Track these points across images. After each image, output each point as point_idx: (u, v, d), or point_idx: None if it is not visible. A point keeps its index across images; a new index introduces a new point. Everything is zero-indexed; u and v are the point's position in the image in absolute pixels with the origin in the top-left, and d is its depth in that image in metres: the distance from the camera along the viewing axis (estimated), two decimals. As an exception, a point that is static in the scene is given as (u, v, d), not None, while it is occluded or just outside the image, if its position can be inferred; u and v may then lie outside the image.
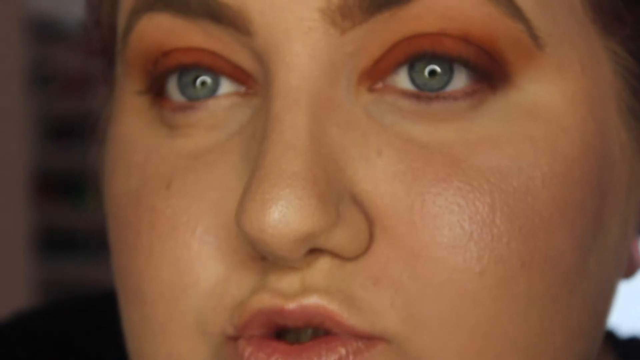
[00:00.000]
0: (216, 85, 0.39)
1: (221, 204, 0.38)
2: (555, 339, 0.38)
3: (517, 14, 0.36)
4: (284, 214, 0.34)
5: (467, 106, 0.37)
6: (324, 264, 0.37)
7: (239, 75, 0.38)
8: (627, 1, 0.39)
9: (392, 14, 0.36)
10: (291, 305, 0.36)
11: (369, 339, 0.36)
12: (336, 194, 0.36)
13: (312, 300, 0.36)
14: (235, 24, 0.37)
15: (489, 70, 0.37)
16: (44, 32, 3.46)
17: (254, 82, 0.38)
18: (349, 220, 0.36)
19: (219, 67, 0.38)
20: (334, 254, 0.36)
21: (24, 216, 2.05)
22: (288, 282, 0.36)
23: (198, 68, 0.38)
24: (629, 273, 0.42)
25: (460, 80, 0.37)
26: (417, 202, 0.36)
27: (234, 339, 0.37)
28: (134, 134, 0.41)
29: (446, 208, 0.36)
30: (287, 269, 0.36)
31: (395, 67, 0.37)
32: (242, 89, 0.38)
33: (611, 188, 0.39)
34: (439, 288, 0.36)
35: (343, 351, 0.36)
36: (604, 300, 0.40)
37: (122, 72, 0.41)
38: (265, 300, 0.36)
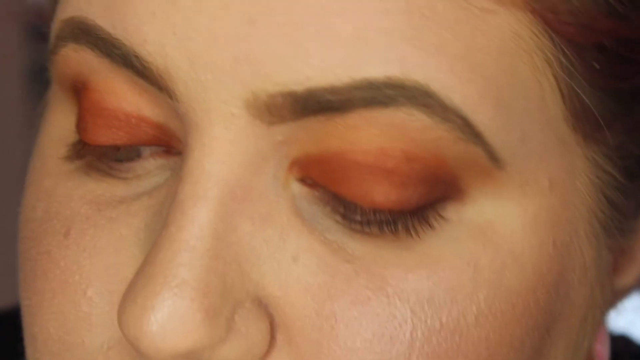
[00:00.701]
0: (139, 150, 0.36)
1: (116, 269, 0.36)
2: None
3: (475, 139, 0.33)
4: (163, 328, 0.32)
5: (409, 223, 0.34)
6: None
7: (162, 136, 0.35)
8: (615, 110, 0.36)
9: (328, 118, 0.33)
10: None
11: None
12: (232, 303, 0.33)
13: None
14: (159, 85, 0.34)
15: (436, 188, 0.33)
16: (44, 31, 3.45)
17: (177, 141, 0.35)
18: (244, 333, 0.33)
19: (142, 139, 0.35)
20: None
21: (24, 216, 2.05)
22: None
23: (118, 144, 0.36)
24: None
25: None
26: (328, 323, 0.33)
27: None
28: (50, 152, 0.39)
29: (358, 336, 0.33)
30: None
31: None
32: (164, 149, 0.36)
33: (561, 314, 0.36)
34: None
35: None
36: None
37: (53, 78, 0.40)
38: None
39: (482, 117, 0.33)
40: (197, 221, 0.33)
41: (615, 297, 0.41)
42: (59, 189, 0.38)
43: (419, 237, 0.34)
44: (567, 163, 0.36)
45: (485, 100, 0.33)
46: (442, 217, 0.34)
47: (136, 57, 0.34)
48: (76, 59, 0.37)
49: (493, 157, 0.34)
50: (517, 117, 0.34)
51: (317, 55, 0.32)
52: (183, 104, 0.34)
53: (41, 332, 0.37)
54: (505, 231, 0.35)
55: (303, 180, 0.34)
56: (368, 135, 0.33)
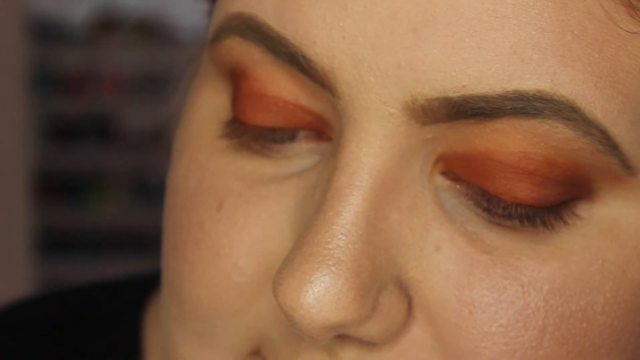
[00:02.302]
0: (294, 133, 0.39)
1: (265, 243, 0.38)
2: None
3: (612, 150, 0.35)
4: (319, 301, 0.34)
5: (553, 221, 0.36)
6: (351, 349, 0.37)
7: (316, 123, 0.38)
8: None
9: (478, 122, 0.35)
10: None
11: None
12: (378, 284, 0.35)
13: None
14: (322, 83, 0.36)
15: (572, 189, 0.36)
16: (44, 32, 3.46)
17: (330, 129, 0.38)
18: (386, 312, 0.36)
19: (297, 123, 0.38)
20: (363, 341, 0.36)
21: (24, 216, 2.05)
22: (314, 357, 0.37)
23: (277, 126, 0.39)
24: None
25: None
26: (467, 308, 0.36)
27: None
28: (204, 127, 0.41)
29: (494, 322, 0.35)
30: (316, 343, 0.37)
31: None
32: (316, 134, 0.38)
33: None
34: None
35: None
36: None
37: (208, 62, 0.41)
38: None
39: (619, 130, 0.35)
40: (352, 208, 0.35)
41: None
42: (212, 163, 0.40)
43: (554, 231, 0.36)
44: None
45: (623, 115, 0.35)
46: (575, 214, 0.36)
47: (303, 57, 0.36)
48: (240, 50, 0.38)
49: (626, 166, 0.36)
50: None
51: (475, 66, 0.34)
52: (344, 100, 0.36)
53: (191, 297, 0.39)
54: (630, 229, 0.37)
55: (447, 174, 0.36)
56: (514, 140, 0.35)
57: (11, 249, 2.04)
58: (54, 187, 3.59)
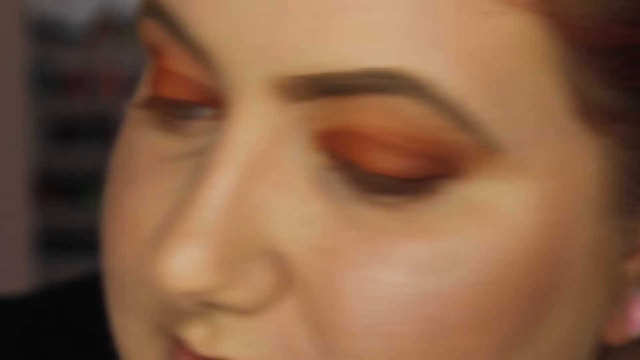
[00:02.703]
0: (199, 111, 0.40)
1: (158, 219, 0.40)
2: None
3: (470, 128, 0.36)
4: (175, 269, 0.37)
5: (409, 195, 0.37)
6: (225, 316, 0.39)
7: (216, 101, 0.39)
8: (625, 105, 0.38)
9: (341, 99, 0.36)
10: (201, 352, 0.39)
11: None
12: (245, 255, 0.38)
13: (217, 350, 0.39)
14: (206, 62, 0.38)
15: (439, 165, 0.36)
16: (44, 32, 3.46)
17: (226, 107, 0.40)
18: (251, 281, 0.38)
19: (200, 98, 0.40)
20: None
21: (24, 216, 2.05)
22: (194, 327, 0.39)
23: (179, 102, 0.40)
24: (621, 335, 0.42)
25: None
26: (333, 283, 0.37)
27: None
28: (134, 103, 0.43)
29: (358, 297, 0.37)
30: (196, 313, 0.39)
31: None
32: (216, 112, 0.40)
33: (557, 288, 0.39)
34: None
35: None
36: None
37: None
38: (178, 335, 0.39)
39: (479, 108, 0.36)
40: (221, 183, 0.37)
41: None
42: (131, 137, 0.42)
43: (423, 208, 0.37)
44: (571, 151, 0.38)
45: (485, 93, 0.36)
46: (445, 192, 0.37)
47: (188, 37, 0.38)
48: (151, 30, 0.40)
49: (491, 144, 0.36)
50: (519, 110, 0.37)
51: (334, 44, 0.36)
52: (220, 80, 0.38)
53: (109, 267, 0.42)
54: (505, 210, 0.38)
55: (324, 151, 0.37)
56: (375, 116, 0.36)
57: (11, 248, 2.04)
58: (53, 187, 3.59)
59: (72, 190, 3.61)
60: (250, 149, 0.38)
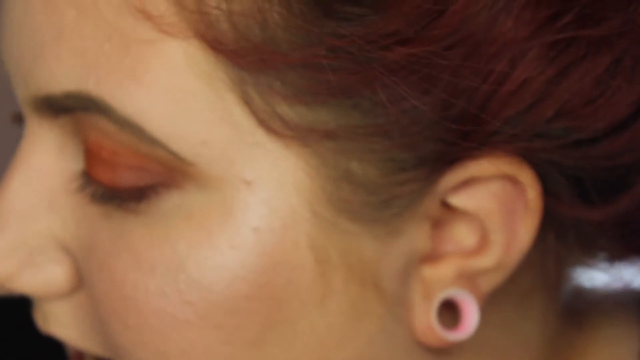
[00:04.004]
0: None
1: None
2: None
3: (153, 143, 0.40)
4: None
5: (142, 202, 0.41)
6: (42, 303, 0.45)
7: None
8: (313, 119, 0.40)
9: (72, 118, 0.42)
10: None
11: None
12: (33, 247, 0.43)
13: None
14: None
15: (145, 176, 0.41)
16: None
17: None
18: (37, 272, 0.43)
19: None
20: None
21: (24, 216, 2.04)
22: (36, 312, 0.46)
23: None
24: (451, 335, 0.43)
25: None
26: (99, 273, 0.42)
27: None
28: None
29: (115, 287, 0.42)
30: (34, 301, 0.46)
31: None
32: None
33: (291, 288, 0.41)
34: (115, 349, 0.43)
35: None
36: None
37: None
38: None
39: (158, 125, 0.40)
40: (8, 193, 0.43)
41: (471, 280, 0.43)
42: None
43: (152, 215, 0.41)
44: (269, 163, 0.40)
45: (161, 112, 0.40)
46: (163, 200, 0.41)
47: None
48: None
49: (177, 157, 0.40)
50: (200, 125, 0.40)
51: (46, 71, 0.41)
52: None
53: None
54: (219, 219, 0.41)
55: (84, 162, 0.43)
56: (99, 132, 0.41)
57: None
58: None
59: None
60: (33, 159, 0.44)
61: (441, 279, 0.43)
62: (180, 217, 0.41)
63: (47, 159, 0.43)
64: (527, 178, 0.42)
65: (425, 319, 0.43)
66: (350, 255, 0.41)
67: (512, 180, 0.42)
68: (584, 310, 0.49)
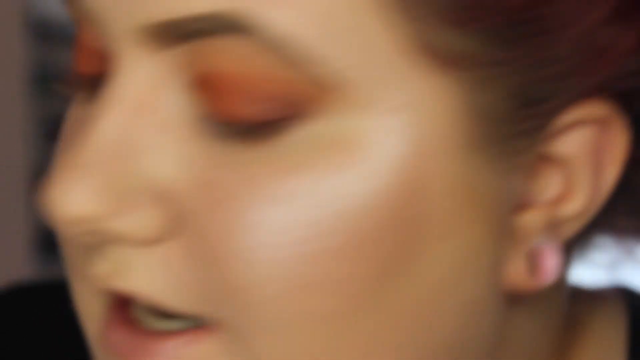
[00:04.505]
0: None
1: None
2: (354, 354, 0.41)
3: (304, 65, 0.39)
4: (61, 199, 0.40)
5: (269, 133, 0.40)
6: (117, 249, 0.42)
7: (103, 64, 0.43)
8: (478, 44, 0.40)
9: (198, 44, 0.40)
10: (108, 285, 0.43)
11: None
12: (130, 189, 0.41)
13: (120, 284, 0.43)
14: (90, 20, 0.41)
15: (287, 105, 0.40)
16: (44, 32, 3.45)
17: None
18: (134, 213, 0.41)
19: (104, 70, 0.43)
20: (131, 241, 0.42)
21: (24, 216, 2.05)
22: (96, 263, 0.43)
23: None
24: (534, 283, 0.43)
25: None
26: (216, 212, 0.40)
27: None
28: None
29: (239, 223, 0.40)
30: (97, 251, 0.43)
31: None
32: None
33: (425, 221, 0.41)
34: (231, 291, 0.40)
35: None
36: (443, 316, 0.42)
37: None
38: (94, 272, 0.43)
39: (305, 46, 0.39)
40: (101, 130, 0.41)
41: (566, 222, 0.44)
42: (69, 115, 0.46)
43: (282, 146, 0.40)
44: (421, 89, 0.40)
45: (318, 33, 0.39)
46: (298, 130, 0.40)
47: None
48: (69, 6, 0.44)
49: (318, 82, 0.39)
50: (346, 50, 0.39)
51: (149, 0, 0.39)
52: (101, 36, 0.42)
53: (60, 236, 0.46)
54: (366, 143, 0.40)
55: (197, 95, 0.41)
56: (230, 58, 0.39)
57: (11, 249, 2.04)
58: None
59: (72, 190, 3.61)
60: (130, 95, 0.41)
61: (533, 226, 0.43)
62: (314, 147, 0.40)
63: (149, 94, 0.41)
64: (620, 124, 0.42)
65: (519, 266, 0.43)
66: (476, 191, 0.41)
67: (605, 126, 0.42)
68: (572, 308, 0.50)
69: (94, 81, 0.43)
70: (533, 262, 0.43)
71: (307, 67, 0.39)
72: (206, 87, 0.40)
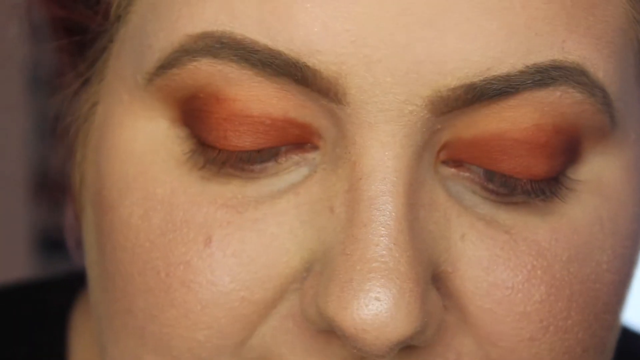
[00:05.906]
0: (278, 149, 0.37)
1: (272, 269, 0.37)
2: None
3: (609, 108, 0.37)
4: (393, 318, 0.33)
5: (544, 192, 0.38)
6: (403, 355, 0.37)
7: (305, 135, 0.37)
8: None
9: (491, 103, 0.36)
10: None
11: None
12: (427, 287, 0.36)
13: None
14: (323, 91, 0.36)
15: (569, 156, 0.38)
16: (45, 32, 3.45)
17: (318, 137, 0.37)
18: (434, 312, 0.36)
19: (286, 139, 0.37)
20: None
21: (23, 216, 2.05)
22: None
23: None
24: None
25: None
26: (499, 291, 0.36)
27: None
28: (152, 160, 0.38)
29: (528, 300, 0.36)
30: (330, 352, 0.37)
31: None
32: (298, 146, 0.37)
33: None
34: None
35: None
36: None
37: (140, 90, 0.39)
38: None
39: (614, 89, 0.37)
40: (394, 216, 0.35)
41: None
42: (180, 196, 0.37)
43: (558, 200, 0.38)
44: None
45: (617, 73, 0.38)
46: (571, 179, 0.38)
47: (306, 66, 0.35)
48: (209, 72, 0.37)
49: (614, 122, 0.38)
50: (628, 84, 0.39)
51: (495, 47, 0.35)
52: (353, 105, 0.35)
53: (186, 342, 0.37)
54: (611, 184, 0.39)
55: (448, 162, 0.37)
56: (525, 113, 0.36)
57: (11, 248, 2.04)
58: (53, 187, 3.60)
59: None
60: (404, 174, 0.35)
61: None
62: (587, 192, 0.39)
63: (415, 172, 0.37)
64: None
65: None
66: None
67: None
68: None
69: (246, 155, 0.37)
70: None
71: (611, 110, 0.38)
72: (479, 150, 0.37)
